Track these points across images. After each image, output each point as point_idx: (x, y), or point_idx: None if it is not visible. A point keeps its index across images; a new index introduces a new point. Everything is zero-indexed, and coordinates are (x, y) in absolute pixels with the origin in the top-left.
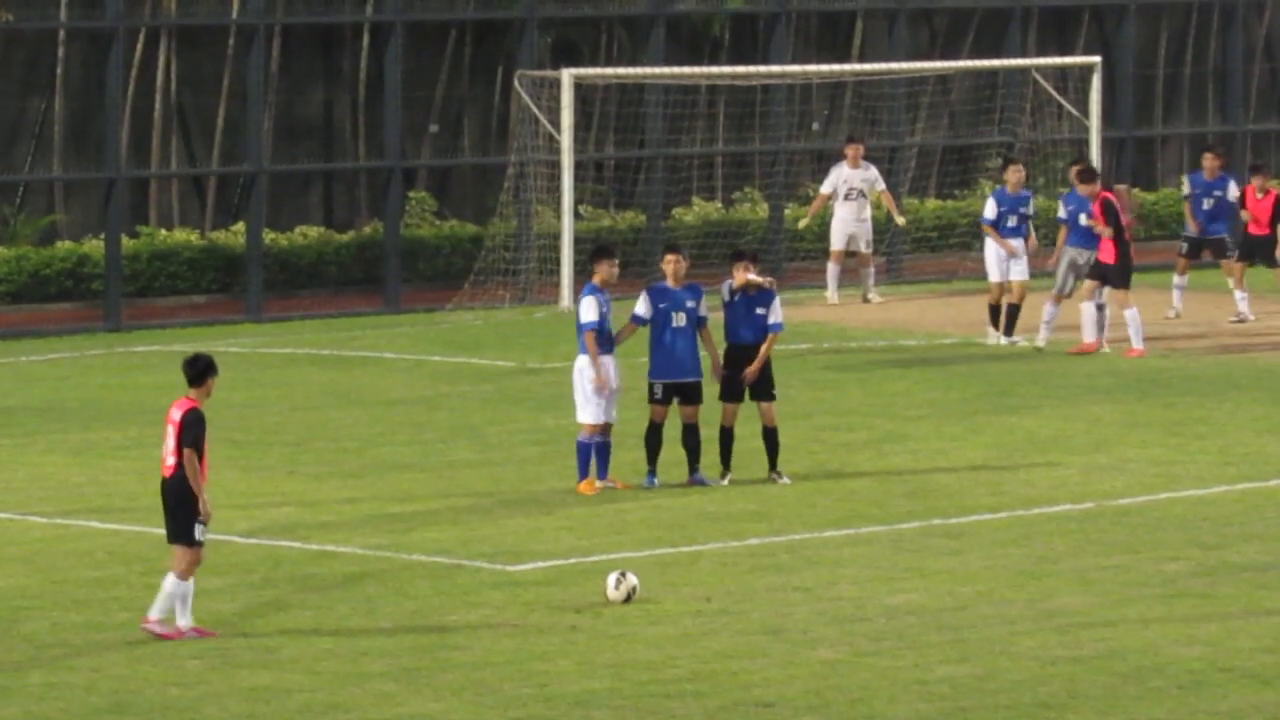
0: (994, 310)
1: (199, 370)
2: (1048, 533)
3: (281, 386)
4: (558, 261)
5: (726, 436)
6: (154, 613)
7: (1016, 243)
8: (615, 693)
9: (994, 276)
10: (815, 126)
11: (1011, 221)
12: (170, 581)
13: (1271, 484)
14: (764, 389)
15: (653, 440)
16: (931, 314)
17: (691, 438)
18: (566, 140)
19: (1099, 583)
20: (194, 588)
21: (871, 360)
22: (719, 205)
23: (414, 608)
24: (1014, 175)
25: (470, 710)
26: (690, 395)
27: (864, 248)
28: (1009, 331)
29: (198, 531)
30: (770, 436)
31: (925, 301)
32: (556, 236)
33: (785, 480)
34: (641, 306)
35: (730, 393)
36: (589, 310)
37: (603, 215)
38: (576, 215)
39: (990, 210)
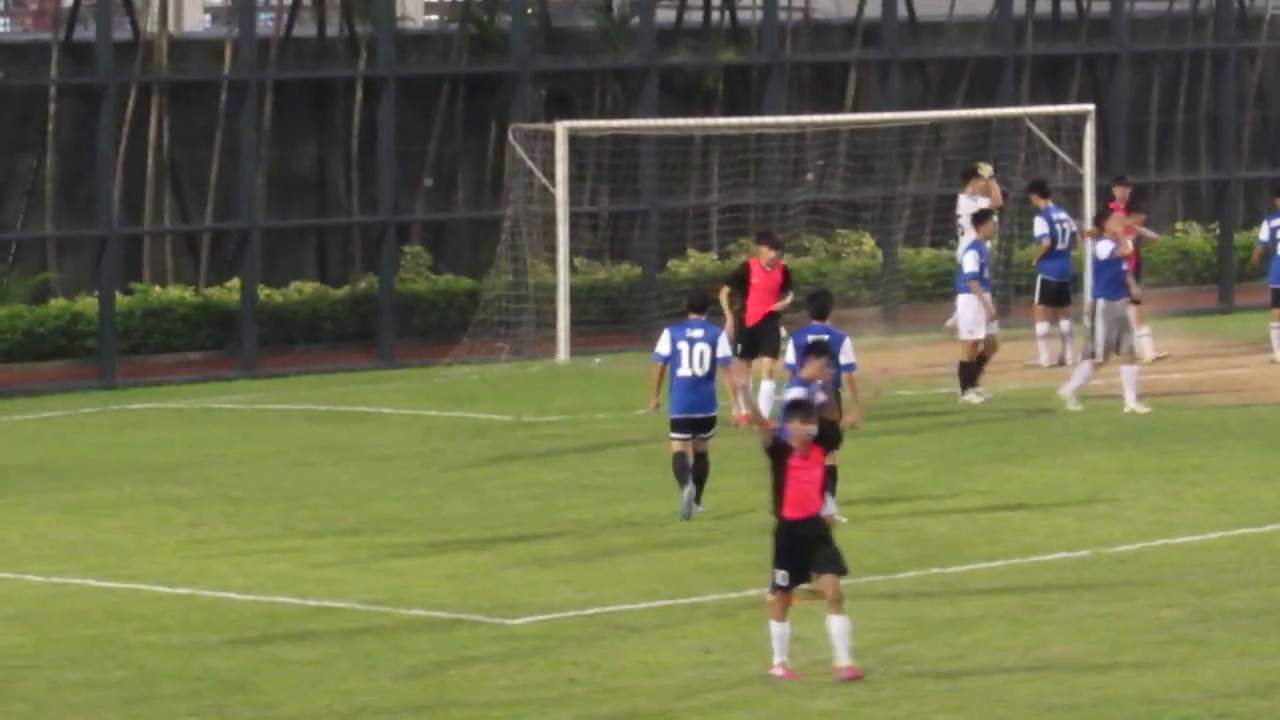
0: (968, 367)
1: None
2: (1044, 581)
3: (277, 442)
4: (554, 314)
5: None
6: (843, 659)
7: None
8: None
9: (977, 333)
10: (810, 177)
11: (987, 274)
12: (838, 622)
13: (1267, 530)
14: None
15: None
16: (927, 363)
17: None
18: (561, 193)
19: (1095, 630)
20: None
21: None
22: (714, 256)
23: (412, 663)
24: (985, 227)
25: None
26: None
27: None
28: (971, 384)
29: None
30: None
31: (921, 350)
32: (553, 289)
33: (840, 518)
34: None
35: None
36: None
37: (598, 268)
38: (572, 268)
39: (972, 263)
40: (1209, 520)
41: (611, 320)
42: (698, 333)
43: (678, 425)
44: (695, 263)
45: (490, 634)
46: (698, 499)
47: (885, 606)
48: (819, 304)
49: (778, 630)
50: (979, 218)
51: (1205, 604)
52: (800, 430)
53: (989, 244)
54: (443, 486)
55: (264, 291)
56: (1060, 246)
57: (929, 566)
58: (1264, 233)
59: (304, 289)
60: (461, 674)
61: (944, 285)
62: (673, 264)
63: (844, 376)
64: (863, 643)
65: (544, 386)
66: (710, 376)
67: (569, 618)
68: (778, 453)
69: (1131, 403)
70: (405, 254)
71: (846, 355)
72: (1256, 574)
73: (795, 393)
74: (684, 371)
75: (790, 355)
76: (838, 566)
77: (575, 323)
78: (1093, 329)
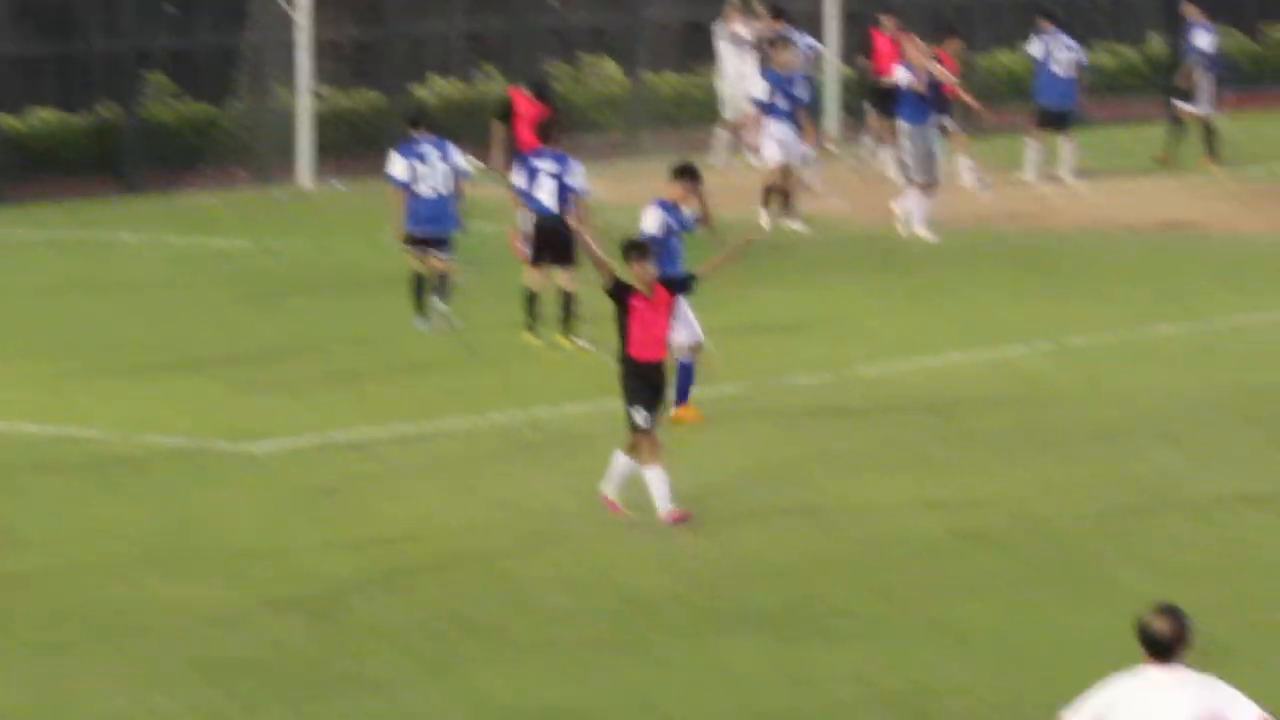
0: (768, 191)
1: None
2: (788, 405)
3: (20, 270)
4: (296, 141)
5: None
6: (664, 506)
7: (774, 124)
8: (361, 571)
9: (773, 156)
10: (554, 3)
11: (783, 103)
12: (655, 473)
13: (1010, 352)
14: (567, 254)
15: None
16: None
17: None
18: (303, 19)
19: (840, 452)
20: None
21: (608, 238)
22: (458, 83)
23: (157, 490)
24: (783, 55)
25: (217, 593)
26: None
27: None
28: (784, 209)
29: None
30: (567, 300)
31: (663, 177)
32: (294, 116)
33: (584, 344)
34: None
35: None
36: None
37: (340, 95)
38: (314, 95)
39: (759, 90)
40: (955, 343)
41: (355, 146)
42: (429, 150)
43: (415, 242)
44: (439, 89)
45: (235, 460)
46: (444, 307)
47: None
48: (546, 129)
49: (652, 477)
50: (774, 47)
51: (950, 426)
52: (640, 271)
53: (791, 72)
54: (186, 313)
55: (5, 120)
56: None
57: (674, 391)
58: (1037, 51)
59: (46, 117)
60: (208, 500)
61: (688, 111)
62: (416, 91)
63: (574, 200)
64: (596, 468)
65: (287, 212)
66: (449, 194)
67: (313, 443)
68: (618, 294)
69: (917, 227)
70: (147, 81)
71: (577, 179)
72: (1000, 395)
73: (652, 218)
74: (422, 189)
75: (519, 180)
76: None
77: (320, 149)
78: (902, 154)
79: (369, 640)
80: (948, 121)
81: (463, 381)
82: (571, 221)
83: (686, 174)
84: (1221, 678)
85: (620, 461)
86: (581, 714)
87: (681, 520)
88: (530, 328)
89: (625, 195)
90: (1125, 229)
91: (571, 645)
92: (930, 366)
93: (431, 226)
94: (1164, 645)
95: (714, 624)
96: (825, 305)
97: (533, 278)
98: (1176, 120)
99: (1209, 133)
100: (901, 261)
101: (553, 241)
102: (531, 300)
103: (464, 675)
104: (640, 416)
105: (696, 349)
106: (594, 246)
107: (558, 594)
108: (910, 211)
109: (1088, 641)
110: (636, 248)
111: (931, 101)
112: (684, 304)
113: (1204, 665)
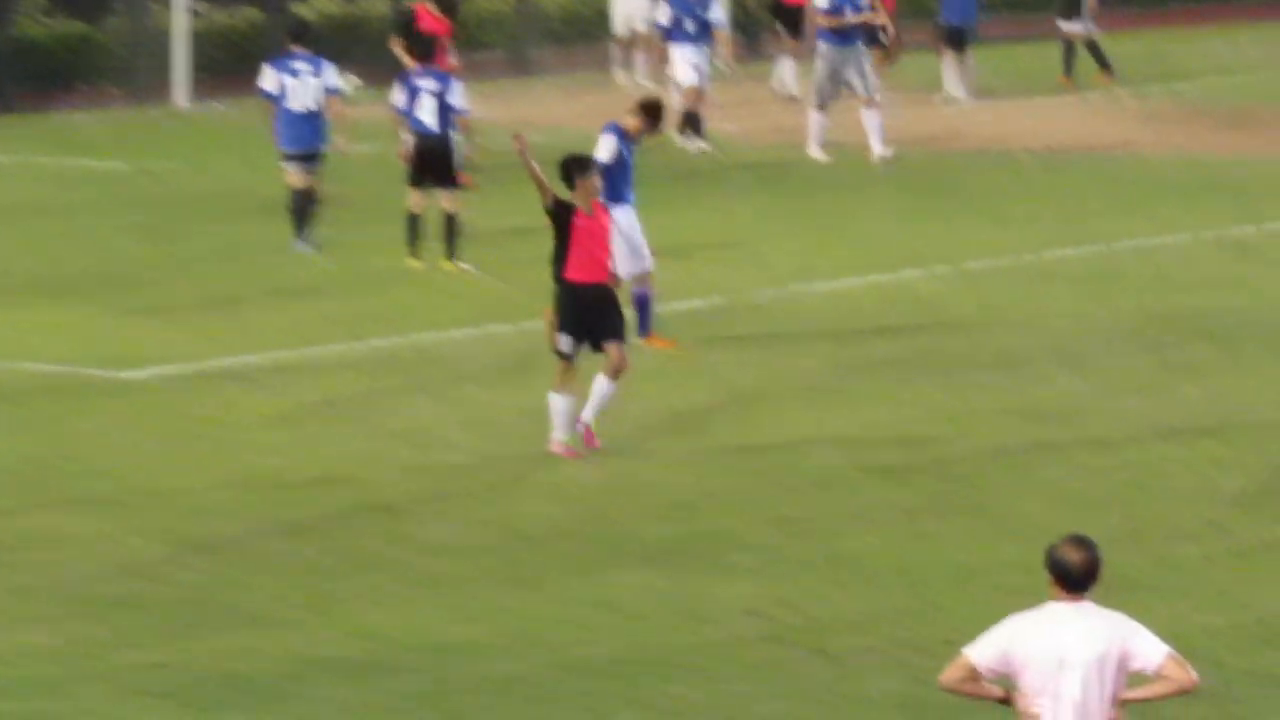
0: (692, 117)
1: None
2: (682, 331)
3: None
4: (172, 59)
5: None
6: (589, 415)
7: (687, 48)
8: (242, 501)
9: (689, 80)
10: None
11: (690, 27)
12: (605, 384)
13: (903, 276)
14: (449, 175)
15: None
16: (557, 109)
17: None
18: None
19: (733, 379)
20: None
21: (498, 160)
22: (340, 1)
23: (28, 417)
24: None
25: (94, 524)
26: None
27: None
28: (697, 132)
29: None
30: (450, 222)
31: (551, 96)
32: (170, 33)
33: (467, 267)
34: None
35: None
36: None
37: (219, 12)
38: (192, 12)
39: (663, 15)
40: (850, 267)
41: (234, 64)
42: (303, 65)
43: (292, 159)
44: (320, 6)
45: (112, 389)
46: (306, 235)
47: (514, 356)
48: (423, 48)
49: (558, 404)
50: None
51: (844, 352)
52: (589, 186)
53: None
54: (59, 237)
55: None
56: None
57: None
58: None
59: None
60: (85, 430)
61: (576, 29)
62: (297, 7)
63: (457, 120)
64: (493, 394)
65: (163, 132)
66: (320, 110)
67: (190, 370)
68: (561, 213)
69: (876, 148)
70: None
71: (458, 98)
72: (895, 320)
73: (606, 146)
74: (294, 105)
75: (400, 99)
76: (623, 334)
77: (198, 68)
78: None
79: (252, 575)
80: (882, 37)
81: (344, 306)
82: (516, 145)
83: (650, 111)
84: (1126, 611)
85: (601, 385)
86: (470, 649)
87: (570, 456)
88: (412, 251)
89: (512, 115)
90: (1024, 150)
91: (460, 579)
92: (825, 292)
93: (302, 143)
94: (1076, 577)
95: (606, 558)
96: (717, 229)
97: (414, 200)
98: (1067, 41)
99: (1094, 49)
100: (795, 184)
101: (434, 162)
102: (413, 223)
103: (350, 610)
104: (565, 343)
105: (644, 278)
106: (536, 168)
107: (445, 527)
108: (870, 130)
109: (990, 574)
110: (581, 162)
111: (855, 24)
112: (636, 229)
113: (1108, 598)
